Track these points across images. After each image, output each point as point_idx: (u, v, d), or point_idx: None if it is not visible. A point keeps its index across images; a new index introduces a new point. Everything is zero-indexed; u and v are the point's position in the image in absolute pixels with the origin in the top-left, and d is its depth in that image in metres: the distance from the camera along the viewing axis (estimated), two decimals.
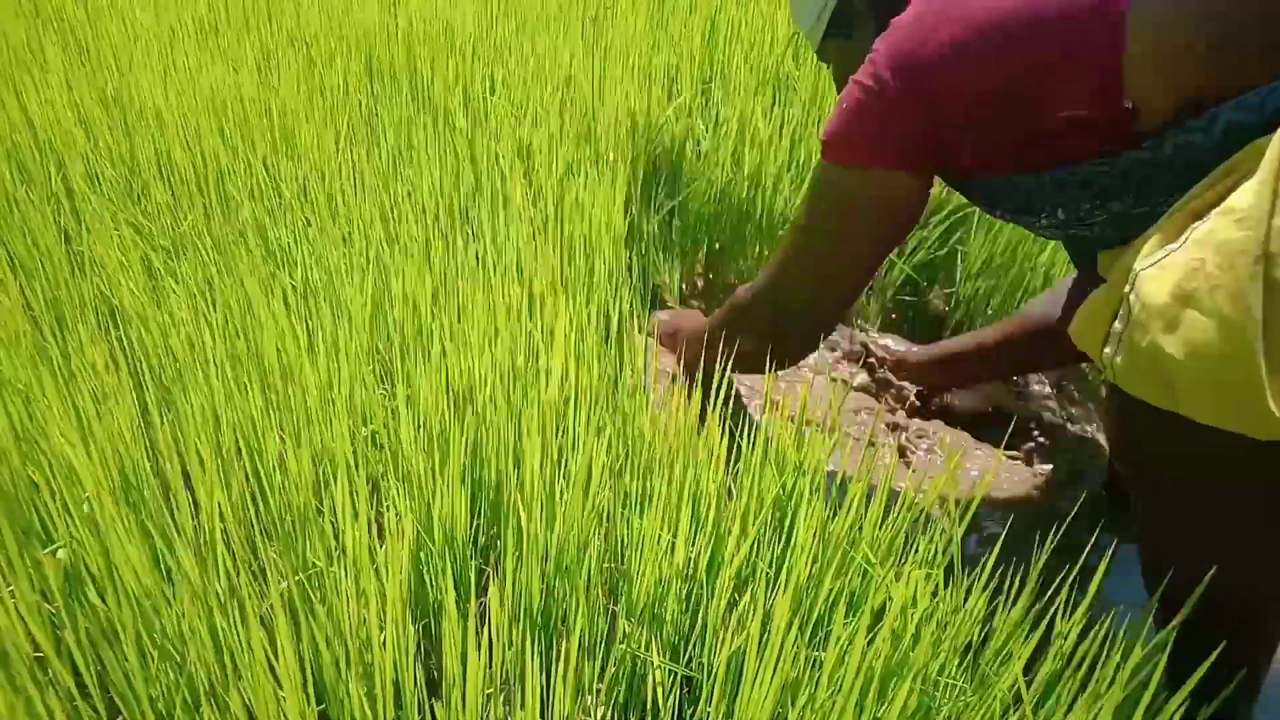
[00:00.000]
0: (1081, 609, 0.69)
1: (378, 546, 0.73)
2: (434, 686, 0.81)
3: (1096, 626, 0.70)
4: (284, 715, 0.60)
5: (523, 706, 0.72)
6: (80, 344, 0.96)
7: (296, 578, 0.72)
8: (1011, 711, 0.67)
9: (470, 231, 1.30)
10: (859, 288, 1.09)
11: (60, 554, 0.78)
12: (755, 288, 1.10)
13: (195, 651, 0.66)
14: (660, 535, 0.76)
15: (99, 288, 1.09)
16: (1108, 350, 0.78)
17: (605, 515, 0.83)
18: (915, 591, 0.69)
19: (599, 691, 0.73)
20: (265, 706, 0.60)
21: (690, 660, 0.76)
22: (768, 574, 0.77)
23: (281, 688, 0.60)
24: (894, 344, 1.49)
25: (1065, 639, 0.70)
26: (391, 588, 0.67)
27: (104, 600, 0.72)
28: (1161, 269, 0.72)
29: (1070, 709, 0.66)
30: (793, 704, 0.66)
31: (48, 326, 0.96)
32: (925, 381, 1.45)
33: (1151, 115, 0.78)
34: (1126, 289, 0.76)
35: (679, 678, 0.74)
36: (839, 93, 1.17)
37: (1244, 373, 0.66)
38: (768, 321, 1.09)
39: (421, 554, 0.79)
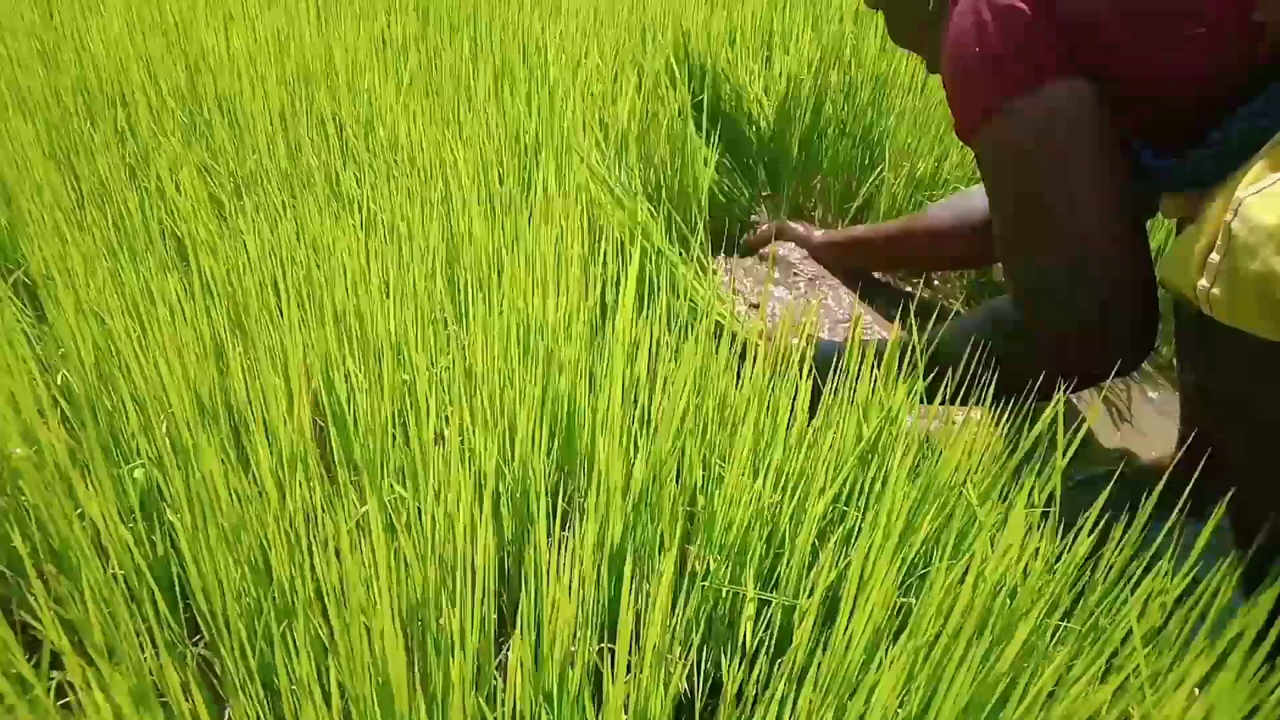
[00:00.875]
0: (1190, 559, 0.66)
1: (460, 473, 0.71)
2: (502, 624, 0.79)
3: (1205, 580, 0.66)
4: (380, 635, 0.58)
5: (612, 640, 0.70)
6: (152, 272, 0.95)
7: (390, 494, 0.70)
8: (1120, 656, 0.64)
9: (529, 179, 1.27)
10: (1117, 237, 0.85)
11: (138, 473, 0.77)
12: (1010, 300, 0.92)
13: (278, 566, 0.65)
14: (745, 473, 0.73)
15: (168, 223, 1.08)
16: (1202, 283, 0.74)
17: (685, 454, 0.81)
18: (1018, 535, 0.66)
19: (681, 625, 0.71)
20: (351, 622, 0.58)
21: (773, 600, 0.74)
22: (858, 517, 0.74)
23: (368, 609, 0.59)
24: (801, 229, 1.52)
25: (1166, 593, 0.67)
26: (473, 500, 0.65)
27: (181, 521, 0.71)
28: (1270, 195, 0.69)
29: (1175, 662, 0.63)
30: (893, 642, 0.63)
31: (124, 255, 0.95)
32: (822, 260, 1.49)
33: (1276, 34, 0.74)
34: (1228, 217, 0.72)
35: (765, 617, 0.72)
36: (893, 36, 1.13)
37: None
38: (1053, 325, 0.87)
39: (501, 485, 0.77)
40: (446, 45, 1.66)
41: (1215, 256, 0.73)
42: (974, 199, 1.31)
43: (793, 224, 1.53)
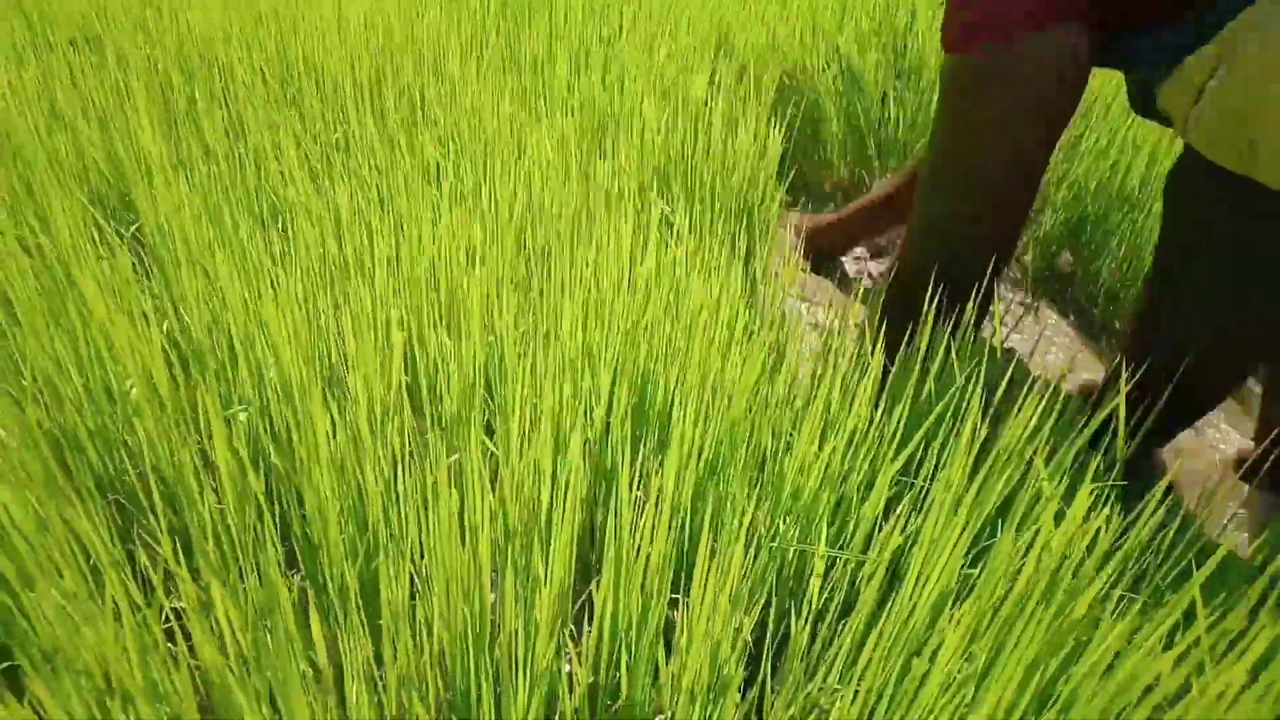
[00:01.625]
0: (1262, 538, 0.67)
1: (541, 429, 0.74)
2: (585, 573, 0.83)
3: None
4: (467, 577, 0.62)
5: (687, 592, 0.74)
6: (250, 231, 1.00)
7: (481, 445, 0.74)
8: (1181, 630, 0.66)
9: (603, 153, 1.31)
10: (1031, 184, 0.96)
11: (242, 416, 0.82)
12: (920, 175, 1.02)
13: (374, 506, 0.69)
14: (814, 441, 0.76)
15: (265, 187, 1.13)
16: (1197, 107, 0.81)
17: (754, 421, 0.83)
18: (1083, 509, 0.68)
19: (749, 581, 0.74)
20: (449, 563, 0.62)
21: (838, 565, 0.77)
22: (924, 487, 0.76)
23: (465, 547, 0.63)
24: (792, 217, 1.52)
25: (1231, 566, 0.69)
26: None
27: (284, 459, 0.76)
28: (1272, 32, 0.74)
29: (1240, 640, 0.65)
30: (955, 604, 0.65)
31: (227, 215, 1.00)
32: (815, 243, 1.49)
33: None
34: (1235, 44, 0.78)
35: (831, 579, 0.75)
36: None
37: None
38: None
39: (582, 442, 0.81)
40: (526, 25, 1.70)
41: (1214, 82, 0.78)
42: None
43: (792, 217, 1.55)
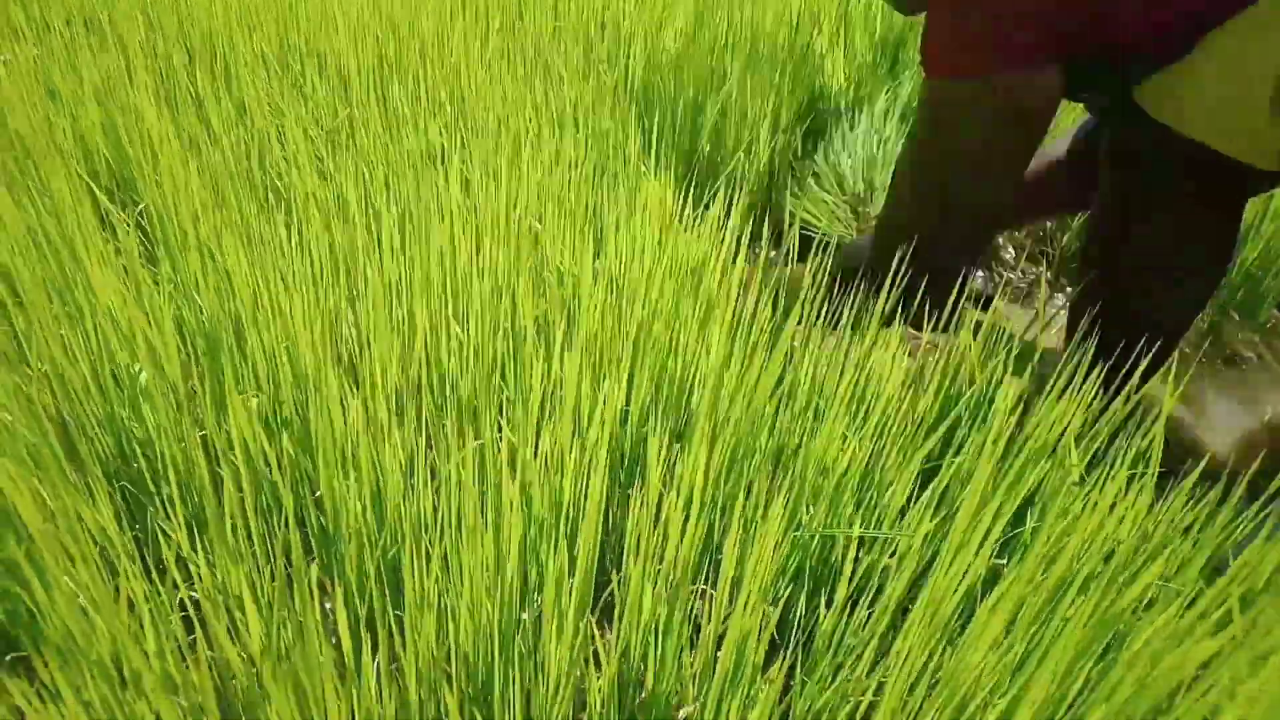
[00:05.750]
0: None
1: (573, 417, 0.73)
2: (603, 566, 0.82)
3: None
4: (498, 575, 0.61)
5: (713, 584, 0.72)
6: (255, 214, 0.98)
7: (496, 430, 0.73)
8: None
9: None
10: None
11: (252, 403, 0.80)
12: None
13: (393, 492, 0.68)
14: (838, 426, 0.75)
15: (270, 172, 1.11)
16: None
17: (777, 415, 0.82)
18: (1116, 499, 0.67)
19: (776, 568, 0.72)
20: (475, 557, 0.60)
21: (870, 542, 0.75)
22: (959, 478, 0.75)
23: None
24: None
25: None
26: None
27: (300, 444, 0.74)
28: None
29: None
30: (983, 595, 0.64)
31: (231, 200, 0.98)
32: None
33: None
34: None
35: (864, 564, 0.74)
36: None
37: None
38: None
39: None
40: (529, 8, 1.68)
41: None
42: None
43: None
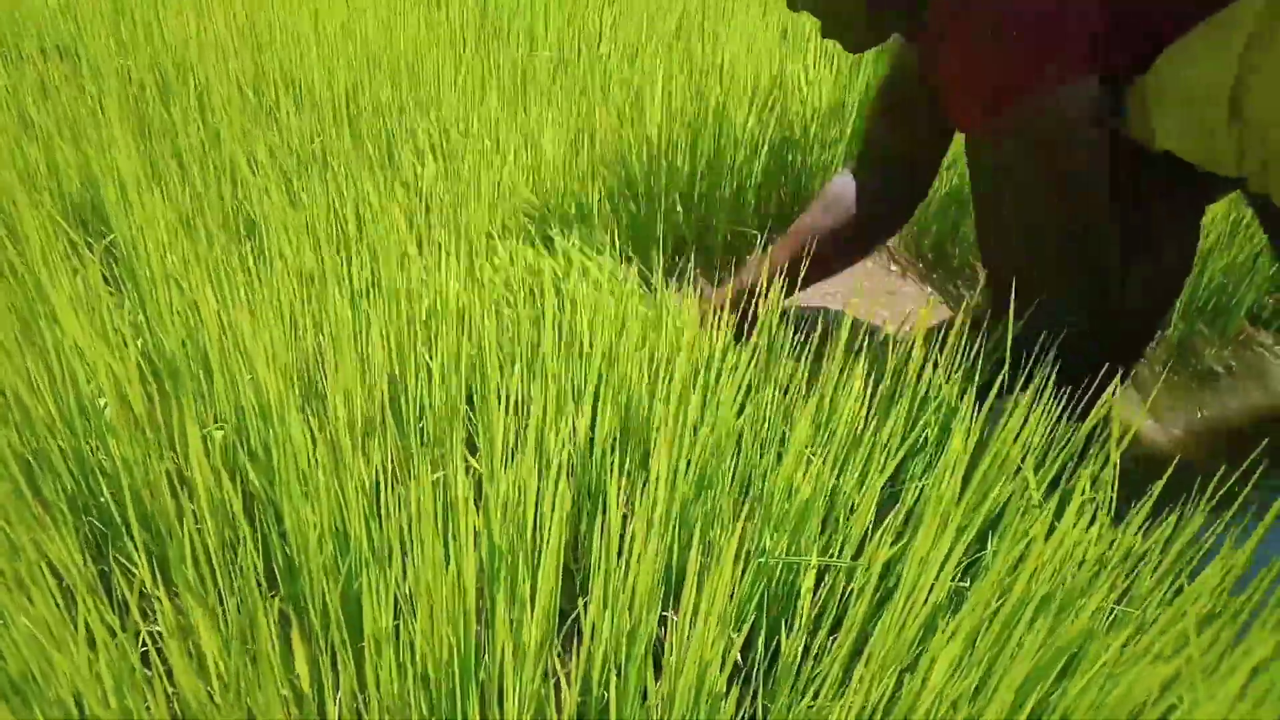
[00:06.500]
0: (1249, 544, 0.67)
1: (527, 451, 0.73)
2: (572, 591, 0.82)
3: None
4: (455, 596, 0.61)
5: (675, 609, 0.73)
6: (225, 245, 0.98)
7: (462, 464, 0.73)
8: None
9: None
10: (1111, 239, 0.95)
11: (217, 435, 0.81)
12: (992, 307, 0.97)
13: (355, 525, 0.68)
14: (804, 452, 0.75)
15: (241, 200, 1.12)
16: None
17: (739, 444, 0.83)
18: (1072, 521, 0.67)
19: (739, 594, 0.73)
20: (432, 581, 0.61)
21: (829, 571, 0.76)
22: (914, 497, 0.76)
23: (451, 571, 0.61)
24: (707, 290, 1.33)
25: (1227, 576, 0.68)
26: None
27: (263, 477, 0.74)
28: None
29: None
30: (937, 630, 0.65)
31: (201, 231, 0.99)
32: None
33: None
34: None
35: (824, 586, 0.74)
36: (827, 33, 1.00)
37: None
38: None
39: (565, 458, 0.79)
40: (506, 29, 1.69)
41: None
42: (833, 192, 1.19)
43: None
